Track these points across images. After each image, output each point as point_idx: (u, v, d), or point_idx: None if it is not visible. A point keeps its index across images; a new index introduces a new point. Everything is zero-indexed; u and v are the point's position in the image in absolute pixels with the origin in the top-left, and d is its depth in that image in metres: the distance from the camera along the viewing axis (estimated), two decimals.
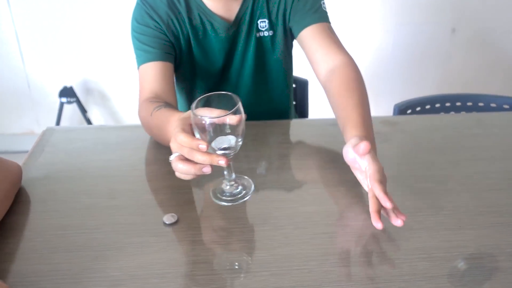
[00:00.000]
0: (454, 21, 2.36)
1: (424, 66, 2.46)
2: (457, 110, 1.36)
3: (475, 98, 1.36)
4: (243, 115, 0.68)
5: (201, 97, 0.70)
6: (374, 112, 0.94)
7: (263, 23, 1.07)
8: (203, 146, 0.66)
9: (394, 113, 1.29)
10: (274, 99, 1.20)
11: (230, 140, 0.69)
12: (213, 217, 0.77)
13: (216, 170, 0.73)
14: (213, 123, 0.67)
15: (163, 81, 0.98)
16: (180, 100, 1.21)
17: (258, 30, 1.08)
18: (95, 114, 2.45)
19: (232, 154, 0.71)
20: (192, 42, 1.06)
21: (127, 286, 0.63)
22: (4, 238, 0.72)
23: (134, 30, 1.03)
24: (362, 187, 0.80)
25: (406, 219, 0.70)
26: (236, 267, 0.67)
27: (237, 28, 1.07)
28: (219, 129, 0.67)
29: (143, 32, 1.01)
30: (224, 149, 0.70)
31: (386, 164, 0.91)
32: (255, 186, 0.79)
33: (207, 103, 0.71)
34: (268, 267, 0.67)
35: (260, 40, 1.09)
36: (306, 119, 1.44)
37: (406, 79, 2.47)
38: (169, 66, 1.01)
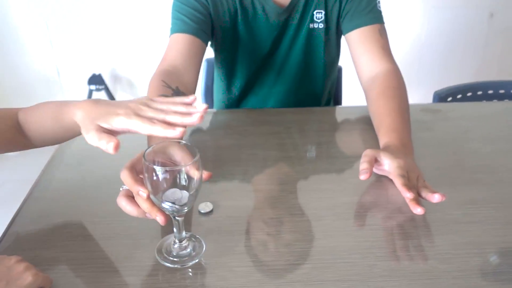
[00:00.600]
0: (492, 6, 2.26)
1: (461, 52, 2.37)
2: (500, 97, 1.29)
3: None
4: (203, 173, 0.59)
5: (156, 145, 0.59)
6: (412, 100, 0.90)
7: (319, 14, 1.03)
8: (143, 194, 0.56)
9: (434, 101, 1.23)
10: (314, 87, 1.17)
11: (182, 195, 0.57)
12: (249, 207, 0.74)
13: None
14: (167, 176, 0.55)
15: (187, 56, 0.95)
16: (220, 86, 1.18)
17: (313, 21, 1.04)
18: None
19: (184, 210, 0.59)
20: (239, 21, 1.03)
21: (163, 275, 0.61)
22: (39, 225, 0.71)
23: (177, 1, 1.00)
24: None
25: (442, 198, 0.69)
26: (276, 258, 0.64)
27: (289, 15, 1.03)
28: (173, 180, 0.56)
29: (185, 3, 0.99)
30: (173, 203, 0.57)
31: (429, 154, 0.87)
32: (206, 248, 0.65)
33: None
34: (310, 260, 0.63)
35: (312, 31, 1.05)
36: (342, 106, 1.39)
37: (442, 65, 2.39)
38: (199, 43, 0.97)
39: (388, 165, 0.75)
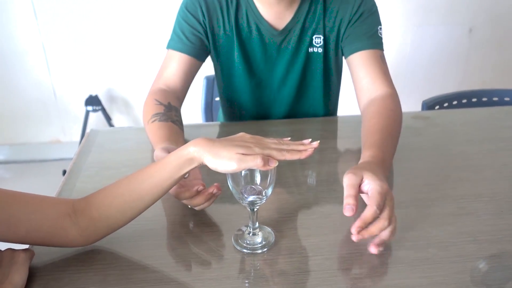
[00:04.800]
0: (471, 22, 2.38)
1: (444, 65, 2.48)
2: (483, 105, 1.38)
3: (500, 93, 1.38)
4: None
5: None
6: (402, 109, 0.96)
7: (318, 39, 1.06)
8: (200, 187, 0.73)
9: (423, 109, 1.31)
10: (313, 107, 1.18)
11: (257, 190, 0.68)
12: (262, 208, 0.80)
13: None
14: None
15: (182, 74, 1.03)
16: (222, 101, 1.23)
17: (312, 45, 1.06)
18: (119, 121, 2.51)
19: (263, 201, 0.69)
20: (235, 41, 1.06)
21: (187, 274, 0.67)
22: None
23: (179, 14, 1.06)
24: (405, 178, 0.83)
25: (375, 252, 0.66)
26: (290, 252, 0.70)
27: (284, 38, 1.05)
28: (249, 178, 0.67)
29: (187, 20, 1.04)
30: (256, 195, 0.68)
31: (421, 156, 0.95)
32: (275, 238, 0.73)
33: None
34: (321, 252, 0.69)
35: (311, 55, 1.07)
36: (339, 116, 1.46)
37: (425, 79, 2.49)
38: (194, 62, 1.04)
39: (368, 186, 0.68)
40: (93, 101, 2.35)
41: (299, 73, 1.09)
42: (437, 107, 1.32)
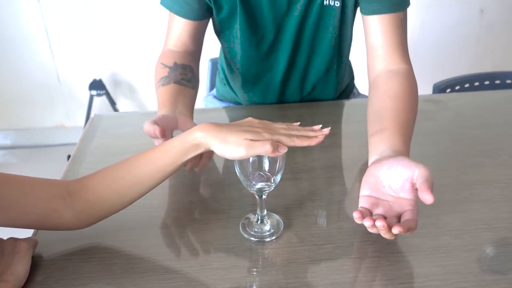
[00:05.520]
0: (482, 2, 2.32)
1: (454, 47, 2.43)
2: (496, 87, 1.35)
3: None
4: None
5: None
6: None
7: None
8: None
9: (434, 92, 1.28)
10: (327, 74, 1.07)
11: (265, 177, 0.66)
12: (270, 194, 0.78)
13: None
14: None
15: (188, 37, 0.96)
16: (224, 76, 1.15)
17: None
18: (123, 105, 2.49)
19: (271, 188, 0.67)
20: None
21: (194, 263, 0.65)
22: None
23: None
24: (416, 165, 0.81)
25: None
26: (299, 240, 0.68)
27: None
28: (257, 165, 0.65)
29: None
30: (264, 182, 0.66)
31: (433, 141, 0.92)
32: (284, 226, 0.71)
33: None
34: (331, 240, 0.68)
35: (326, 8, 0.94)
36: (349, 100, 1.43)
37: (435, 61, 2.44)
38: (196, 24, 0.95)
39: (412, 173, 0.62)
40: (97, 85, 2.32)
41: (312, 29, 0.97)
42: (448, 90, 1.29)
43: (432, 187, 0.59)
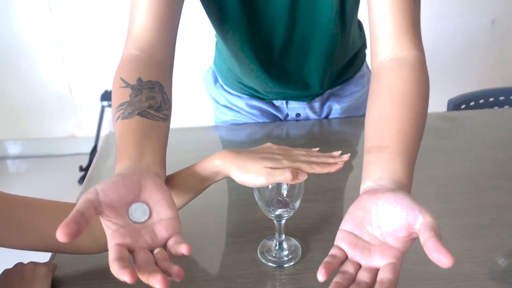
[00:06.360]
0: (493, 13, 2.31)
1: (463, 59, 2.42)
2: (510, 103, 1.34)
3: None
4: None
5: None
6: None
7: None
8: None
9: (449, 109, 1.27)
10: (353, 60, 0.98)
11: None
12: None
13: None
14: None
15: (157, 24, 0.69)
16: (232, 67, 1.01)
17: None
18: None
19: (291, 213, 0.66)
20: None
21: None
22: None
23: None
24: (434, 186, 0.80)
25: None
26: (317, 265, 0.67)
27: None
28: (276, 191, 0.64)
29: None
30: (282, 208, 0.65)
31: (451, 162, 0.91)
32: (302, 251, 0.71)
33: None
34: None
35: None
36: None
37: (446, 72, 2.43)
38: (168, 7, 0.69)
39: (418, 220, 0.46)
40: (108, 96, 2.33)
41: (332, 7, 0.82)
42: (463, 106, 1.28)
43: (441, 241, 0.43)
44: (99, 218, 0.60)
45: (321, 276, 0.45)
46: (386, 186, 0.52)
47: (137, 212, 0.48)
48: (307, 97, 1.04)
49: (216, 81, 1.11)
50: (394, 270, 0.46)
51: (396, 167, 0.54)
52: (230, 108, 1.10)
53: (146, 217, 0.48)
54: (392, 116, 0.60)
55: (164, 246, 0.47)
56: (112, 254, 0.43)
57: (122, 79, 0.64)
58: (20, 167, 2.55)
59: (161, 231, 0.48)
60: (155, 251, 0.46)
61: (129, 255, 0.44)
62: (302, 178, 0.60)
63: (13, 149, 2.58)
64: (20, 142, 2.57)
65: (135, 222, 0.47)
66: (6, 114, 2.47)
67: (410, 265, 0.66)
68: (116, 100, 0.62)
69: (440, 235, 0.44)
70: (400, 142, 0.57)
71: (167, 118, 0.63)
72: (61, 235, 0.41)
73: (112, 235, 0.46)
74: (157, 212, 0.49)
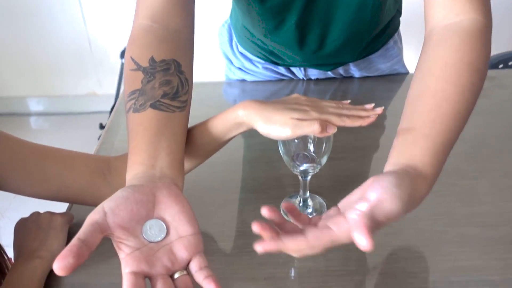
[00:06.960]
0: None
1: (501, 17, 2.29)
2: None
3: None
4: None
5: None
6: None
7: None
8: None
9: None
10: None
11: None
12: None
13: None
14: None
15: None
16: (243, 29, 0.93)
17: None
18: None
19: (317, 170, 0.63)
20: None
21: (232, 244, 0.63)
22: None
23: None
24: (470, 145, 0.75)
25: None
26: None
27: None
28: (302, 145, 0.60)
29: None
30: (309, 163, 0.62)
31: (488, 122, 0.86)
32: (326, 209, 0.66)
33: None
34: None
35: None
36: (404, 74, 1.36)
37: None
38: None
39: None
40: None
41: None
42: (501, 65, 1.20)
43: (375, 228, 0.42)
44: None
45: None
46: (396, 171, 0.46)
47: (153, 231, 0.42)
48: (328, 65, 0.97)
49: (231, 39, 1.02)
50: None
51: (416, 151, 0.48)
52: (245, 72, 1.03)
53: (163, 235, 0.42)
54: (428, 92, 0.52)
55: (185, 267, 0.42)
56: (125, 285, 0.38)
57: (132, 59, 0.56)
58: (43, 124, 2.57)
59: (181, 251, 0.42)
60: (176, 275, 0.41)
61: (145, 283, 0.40)
62: (332, 131, 0.56)
63: (36, 106, 2.59)
64: (42, 99, 2.57)
65: (150, 242, 0.41)
66: (27, 71, 2.47)
67: (441, 226, 0.63)
68: (127, 85, 0.55)
69: (377, 222, 0.42)
70: (430, 122, 0.49)
71: (185, 105, 0.55)
72: (58, 269, 0.36)
73: (126, 260, 0.40)
74: (175, 229, 0.43)
